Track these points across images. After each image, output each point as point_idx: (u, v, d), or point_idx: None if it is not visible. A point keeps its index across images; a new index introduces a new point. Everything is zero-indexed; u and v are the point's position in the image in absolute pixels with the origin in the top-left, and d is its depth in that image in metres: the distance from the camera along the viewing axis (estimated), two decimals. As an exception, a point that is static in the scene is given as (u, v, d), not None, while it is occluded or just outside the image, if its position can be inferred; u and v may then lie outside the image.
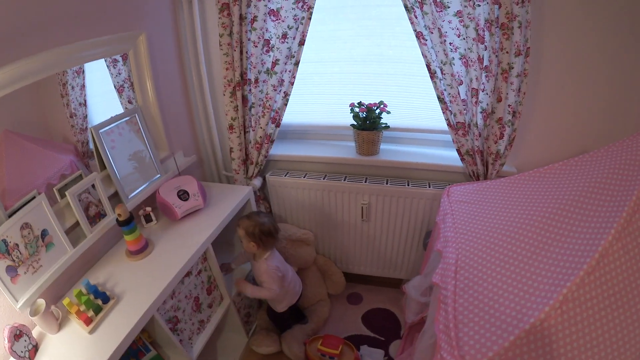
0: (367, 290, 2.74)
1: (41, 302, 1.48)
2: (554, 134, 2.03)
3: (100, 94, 1.86)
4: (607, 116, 1.92)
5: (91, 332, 1.45)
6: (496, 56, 1.80)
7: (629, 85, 1.83)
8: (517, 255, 1.35)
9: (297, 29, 1.96)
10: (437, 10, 1.79)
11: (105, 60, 1.83)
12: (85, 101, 1.78)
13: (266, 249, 2.05)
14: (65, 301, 1.52)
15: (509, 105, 1.86)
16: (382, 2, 1.98)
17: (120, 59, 1.89)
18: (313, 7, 1.91)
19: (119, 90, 1.93)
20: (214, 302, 2.06)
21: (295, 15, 1.94)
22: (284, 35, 1.97)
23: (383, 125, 2.19)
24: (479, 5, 1.74)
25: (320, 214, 2.45)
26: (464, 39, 1.82)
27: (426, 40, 1.83)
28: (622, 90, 1.84)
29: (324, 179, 2.30)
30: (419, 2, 1.76)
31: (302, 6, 1.91)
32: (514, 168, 2.14)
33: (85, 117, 1.81)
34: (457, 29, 1.82)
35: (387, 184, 2.22)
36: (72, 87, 1.71)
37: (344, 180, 2.28)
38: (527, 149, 2.10)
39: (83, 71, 1.74)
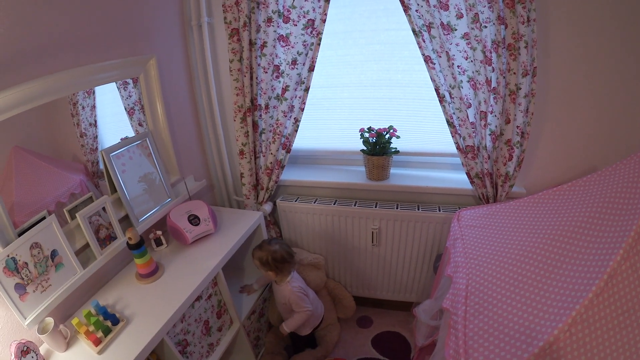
0: (377, 313, 2.63)
1: (49, 320, 1.47)
2: (563, 153, 1.96)
3: (111, 115, 1.84)
4: (616, 134, 1.85)
5: (100, 352, 1.44)
6: (504, 77, 1.75)
7: (638, 102, 1.76)
8: (527, 279, 1.32)
9: (306, 54, 1.92)
10: (444, 34, 1.74)
11: (116, 83, 1.79)
12: (95, 122, 1.75)
13: (285, 275, 1.99)
14: (75, 321, 1.51)
15: (517, 127, 1.81)
16: (391, 26, 1.93)
17: (130, 81, 1.85)
18: (322, 33, 1.87)
19: (130, 112, 1.89)
20: (223, 326, 1.97)
21: (304, 41, 1.90)
22: (294, 62, 1.93)
23: (393, 150, 2.12)
24: (486, 27, 1.70)
25: (331, 238, 2.36)
26: (471, 61, 1.77)
27: (434, 64, 1.79)
28: (631, 108, 1.78)
29: (334, 204, 2.24)
30: (426, 25, 1.73)
31: (311, 32, 1.88)
32: (523, 189, 2.06)
33: (96, 137, 1.78)
34: (465, 51, 1.77)
35: (397, 208, 2.14)
36: (83, 107, 1.68)
37: (355, 205, 2.20)
38: (536, 169, 2.03)
39: (94, 92, 1.71)
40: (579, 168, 1.95)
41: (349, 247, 2.35)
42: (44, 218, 1.47)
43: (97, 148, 1.77)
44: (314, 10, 1.85)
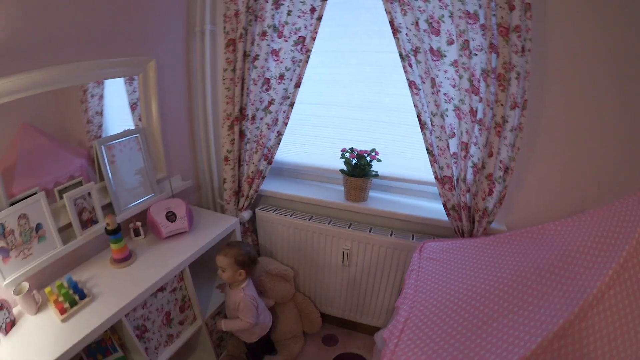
0: (344, 333, 2.60)
1: (25, 284, 1.60)
2: (550, 192, 1.90)
3: (117, 106, 1.96)
4: (610, 176, 1.76)
5: (63, 321, 1.58)
6: (491, 108, 1.69)
7: (634, 144, 1.68)
8: (470, 319, 1.31)
9: (294, 71, 1.97)
10: (433, 59, 1.72)
11: (123, 78, 1.93)
12: (102, 111, 1.88)
13: (247, 278, 2.02)
14: (47, 289, 1.65)
15: (500, 161, 1.74)
16: (382, 48, 1.93)
17: (137, 77, 1.96)
18: (311, 51, 1.91)
19: (132, 107, 2.01)
20: (185, 321, 2.02)
21: (293, 57, 1.95)
22: (281, 76, 1.98)
23: (373, 173, 2.11)
24: (476, 55, 1.65)
25: (304, 253, 2.37)
26: (458, 89, 1.73)
27: (419, 89, 1.77)
28: (627, 150, 1.70)
29: (309, 220, 2.25)
30: (413, 50, 1.71)
31: (301, 49, 1.93)
32: (504, 226, 1.99)
33: (100, 126, 1.90)
34: (453, 79, 1.74)
35: (370, 232, 2.13)
36: (92, 96, 1.81)
37: (328, 223, 2.21)
38: (519, 206, 1.97)
39: (103, 82, 1.83)
40: (566, 210, 1.85)
41: (320, 263, 2.35)
42: (35, 193, 1.60)
43: (100, 136, 1.89)
44: (305, 27, 1.90)
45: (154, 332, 1.85)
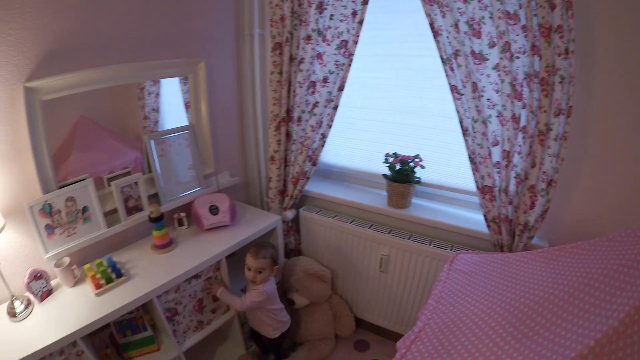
0: (377, 340, 2.66)
1: (66, 259, 1.84)
2: (599, 208, 1.80)
3: (173, 104, 2.23)
4: None
5: (97, 295, 1.81)
6: (534, 115, 1.66)
7: None
8: (485, 338, 1.31)
9: (337, 74, 2.09)
10: (475, 63, 1.73)
11: (178, 77, 2.19)
12: (158, 108, 2.15)
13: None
14: (86, 266, 1.88)
15: (544, 172, 1.71)
16: (425, 52, 1.98)
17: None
18: (353, 55, 2.02)
19: (186, 105, 2.27)
20: (218, 310, 2.22)
21: (337, 61, 2.07)
22: (325, 79, 2.12)
23: (416, 180, 2.16)
24: (518, 57, 1.64)
25: (343, 256, 2.48)
26: (501, 95, 1.73)
27: (461, 95, 1.79)
28: None
29: (350, 223, 2.35)
30: (454, 53, 1.74)
31: (344, 52, 2.04)
32: (546, 242, 1.92)
33: (157, 122, 2.18)
34: (496, 83, 1.73)
35: (409, 239, 2.17)
36: (149, 93, 2.08)
37: (369, 228, 2.29)
38: (563, 222, 1.90)
39: (159, 81, 2.11)
40: (615, 226, 1.74)
41: (358, 268, 2.43)
42: (84, 179, 1.87)
43: (156, 132, 2.16)
44: (348, 31, 2.01)
45: (184, 316, 2.05)
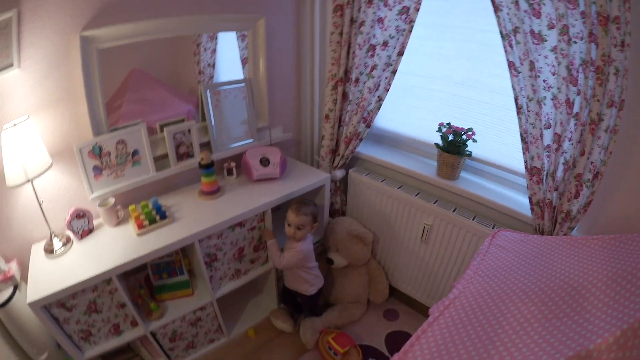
0: (406, 312, 3.04)
1: (111, 200, 2.21)
2: None
3: (228, 60, 2.58)
4: None
5: (139, 235, 2.15)
6: (587, 103, 1.83)
7: None
8: (516, 312, 1.46)
9: (397, 39, 2.35)
10: (533, 42, 1.91)
11: (236, 34, 2.51)
12: (214, 63, 2.50)
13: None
14: (131, 207, 2.25)
15: (591, 163, 1.87)
16: (488, 27, 2.15)
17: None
18: (414, 21, 2.26)
19: (243, 61, 2.62)
20: (257, 261, 2.62)
21: (397, 26, 2.32)
22: (385, 43, 2.38)
23: (467, 153, 2.41)
24: (575, 42, 1.79)
25: (387, 221, 2.82)
26: (557, 77, 1.90)
27: (518, 72, 1.98)
28: None
29: (398, 188, 2.66)
30: (513, 29, 1.93)
31: (405, 18, 2.28)
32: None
33: (212, 77, 2.54)
34: (553, 65, 1.91)
35: (454, 211, 2.45)
36: (205, 49, 2.43)
37: (416, 195, 2.59)
38: (607, 217, 2.05)
39: (216, 38, 2.45)
40: None
41: (399, 235, 2.78)
42: (137, 124, 2.23)
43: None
44: None
45: (223, 263, 2.45)
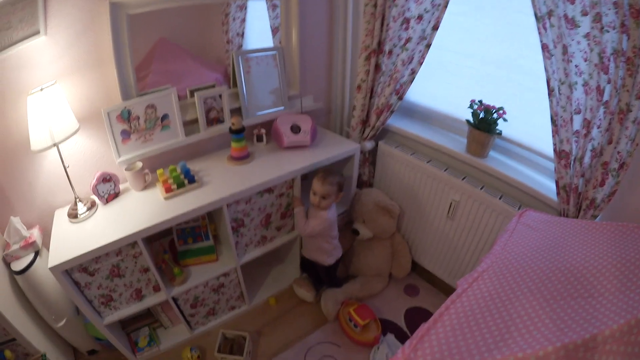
0: (427, 288, 3.30)
1: (139, 164, 2.42)
2: None
3: (258, 30, 2.80)
4: None
5: (166, 198, 2.36)
6: (617, 93, 1.96)
7: None
8: (544, 290, 1.55)
9: (432, 13, 2.49)
10: (567, 27, 2.04)
11: (266, 3, 2.71)
12: (243, 33, 2.72)
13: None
14: (159, 171, 2.45)
15: (618, 152, 2.02)
16: (523, 9, 2.29)
17: (279, 3, 2.73)
18: None
19: (274, 31, 2.84)
20: (283, 228, 2.88)
21: (433, 1, 2.46)
22: (420, 17, 2.53)
23: (497, 131, 2.57)
24: (608, 32, 1.92)
25: (414, 195, 3.03)
26: (589, 64, 2.04)
27: (551, 55, 2.12)
28: None
29: (427, 162, 2.85)
30: (548, 12, 2.06)
31: None
32: None
33: (240, 46, 2.77)
34: (585, 52, 2.03)
35: (481, 189, 2.62)
36: (234, 19, 2.64)
37: (444, 170, 2.77)
38: (631, 208, 2.19)
39: (246, 7, 2.65)
40: None
41: (426, 209, 2.99)
42: (167, 89, 2.44)
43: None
44: None
45: (250, 229, 2.70)
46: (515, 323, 1.44)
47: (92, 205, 2.33)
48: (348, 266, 3.30)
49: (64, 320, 2.45)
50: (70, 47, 2.12)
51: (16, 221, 2.23)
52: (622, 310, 1.31)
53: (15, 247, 2.21)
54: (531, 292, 1.57)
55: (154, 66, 2.47)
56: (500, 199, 2.59)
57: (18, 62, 2.01)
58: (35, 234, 2.29)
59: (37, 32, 1.98)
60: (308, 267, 3.11)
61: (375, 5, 2.70)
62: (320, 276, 3.11)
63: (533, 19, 2.14)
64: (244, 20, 2.71)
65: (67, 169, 2.18)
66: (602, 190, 2.13)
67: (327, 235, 2.79)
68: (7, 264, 2.22)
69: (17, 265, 2.18)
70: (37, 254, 2.26)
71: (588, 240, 1.84)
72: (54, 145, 2.01)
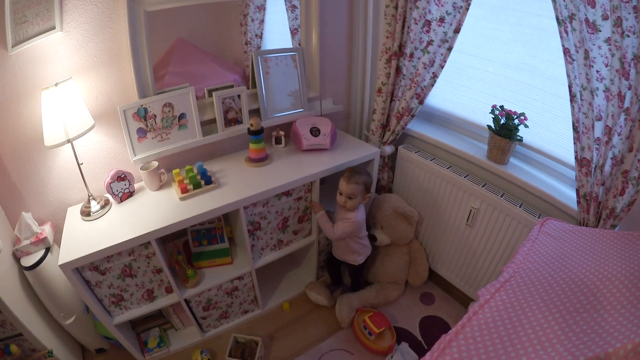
0: (443, 297, 3.35)
1: (154, 163, 2.50)
2: None
3: (277, 32, 2.92)
4: None
5: (182, 199, 2.43)
6: (638, 99, 1.99)
7: None
8: (567, 302, 1.57)
9: (454, 16, 2.57)
10: (588, 31, 2.08)
11: (285, 5, 2.82)
12: (261, 34, 2.84)
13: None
14: (175, 171, 2.53)
15: (638, 160, 2.05)
16: (543, 12, 2.37)
17: (298, 4, 2.83)
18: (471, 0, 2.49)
19: (293, 32, 2.96)
20: (300, 232, 2.96)
21: (454, 3, 2.54)
22: (441, 19, 2.61)
23: (518, 138, 2.63)
24: (628, 36, 1.96)
25: (433, 201, 3.10)
26: (609, 69, 2.08)
27: (573, 60, 2.16)
28: None
29: (447, 168, 2.92)
30: (569, 16, 2.11)
31: None
32: None
33: (259, 47, 2.89)
34: (606, 57, 2.08)
35: (501, 196, 2.67)
36: (252, 20, 2.77)
37: (465, 177, 2.84)
38: None
39: (264, 8, 2.77)
40: None
41: (445, 216, 3.06)
42: (185, 87, 2.53)
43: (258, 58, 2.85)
44: None
45: (266, 232, 2.79)
46: (539, 336, 1.46)
47: (106, 204, 2.41)
48: (364, 272, 3.36)
49: (73, 318, 2.55)
50: (86, 43, 2.21)
51: (28, 217, 2.33)
52: (634, 327, 1.33)
53: (25, 242, 2.31)
54: (554, 303, 1.59)
55: (171, 66, 2.59)
56: (520, 207, 2.63)
57: (33, 57, 2.10)
58: (47, 231, 2.39)
59: (52, 28, 2.07)
60: (333, 266, 3.18)
61: (396, 7, 2.81)
62: (349, 273, 3.19)
63: (553, 22, 2.20)
64: (262, 21, 2.84)
65: (81, 166, 2.26)
66: (622, 200, 2.16)
67: (356, 236, 2.86)
68: (17, 259, 2.31)
69: (27, 261, 2.28)
70: (47, 250, 2.36)
71: (609, 251, 1.86)
72: (68, 141, 2.08)
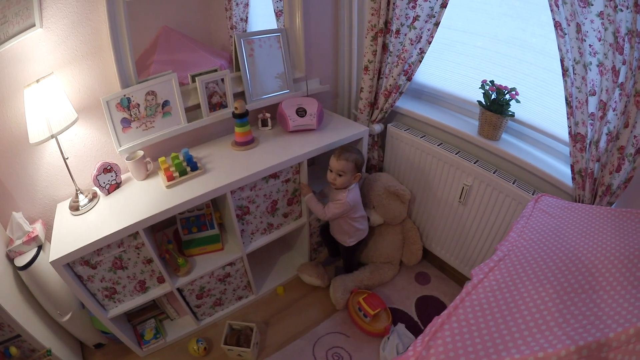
0: (438, 276, 3.40)
1: (140, 152, 2.49)
2: None
3: (262, 15, 2.88)
4: None
5: (168, 187, 2.43)
6: (632, 75, 2.00)
7: None
8: (562, 281, 1.59)
9: None
10: (580, 5, 2.06)
11: None
12: (247, 18, 2.80)
13: (357, 181, 2.79)
14: (161, 159, 2.52)
15: (634, 136, 2.06)
16: None
17: None
18: None
19: (277, 14, 2.92)
20: (290, 215, 2.97)
21: None
22: None
23: (509, 113, 2.62)
24: (622, 10, 1.94)
25: (425, 179, 3.11)
26: (603, 43, 2.07)
27: (565, 34, 2.15)
28: None
29: (438, 145, 2.92)
30: None
31: None
32: None
33: (244, 31, 2.84)
34: (599, 31, 2.07)
35: (494, 173, 2.68)
36: (237, 4, 2.72)
37: (456, 154, 2.84)
38: None
39: None
40: None
41: (437, 194, 3.08)
42: (167, 74, 2.50)
43: None
44: None
45: (256, 216, 2.79)
46: (535, 318, 1.47)
47: (94, 197, 2.42)
48: (358, 254, 3.40)
49: (69, 315, 2.56)
50: (67, 38, 2.20)
51: (18, 216, 2.33)
52: (635, 310, 1.34)
53: (18, 242, 2.31)
54: (550, 282, 1.61)
55: (157, 55, 2.57)
56: (513, 183, 2.65)
57: (15, 56, 2.10)
58: (38, 229, 2.40)
59: (32, 25, 2.06)
60: (329, 237, 3.18)
61: (381, -17, 2.75)
62: (339, 249, 3.23)
63: (544, -5, 2.15)
64: (247, 4, 2.80)
65: (67, 161, 2.28)
66: (618, 176, 2.18)
67: (348, 217, 2.87)
68: (11, 260, 2.32)
69: (20, 261, 2.29)
70: (40, 248, 2.36)
71: (605, 228, 1.89)
72: (52, 136, 2.09)
